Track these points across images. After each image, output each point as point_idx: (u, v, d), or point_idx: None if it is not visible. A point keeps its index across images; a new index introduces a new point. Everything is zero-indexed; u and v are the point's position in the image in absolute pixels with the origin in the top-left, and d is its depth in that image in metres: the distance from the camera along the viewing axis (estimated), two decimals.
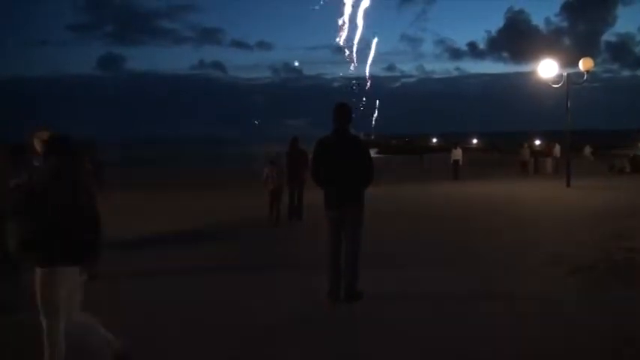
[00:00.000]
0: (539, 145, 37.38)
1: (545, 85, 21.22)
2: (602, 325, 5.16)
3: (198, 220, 13.32)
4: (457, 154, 27.40)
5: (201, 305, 6.08)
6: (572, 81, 20.47)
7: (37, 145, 13.43)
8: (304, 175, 12.02)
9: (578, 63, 19.99)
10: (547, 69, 20.56)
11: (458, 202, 16.35)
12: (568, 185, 19.81)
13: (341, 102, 6.18)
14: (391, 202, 15.28)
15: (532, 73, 23.75)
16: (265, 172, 12.38)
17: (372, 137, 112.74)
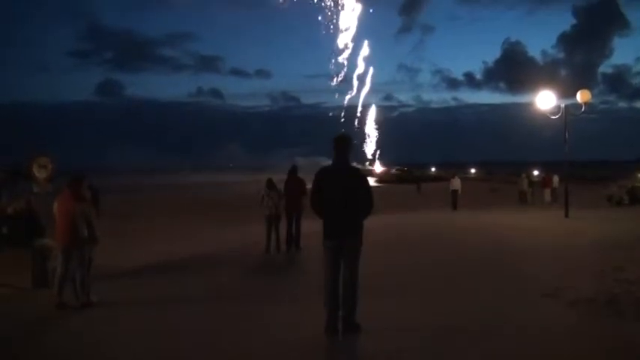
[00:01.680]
0: (538, 175, 37.49)
1: (542, 116, 21.36)
2: (600, 357, 5.10)
3: (196, 247, 13.26)
4: (456, 183, 27.38)
5: (199, 334, 6.01)
6: (570, 112, 20.60)
7: (36, 171, 13.37)
8: (303, 203, 12.02)
9: (575, 94, 20.17)
10: (545, 100, 20.71)
11: (457, 232, 16.30)
12: (567, 216, 19.79)
13: (341, 133, 6.21)
14: (390, 231, 15.24)
15: (529, 104, 24.01)
16: (262, 196, 12.38)
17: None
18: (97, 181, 13.74)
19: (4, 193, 14.24)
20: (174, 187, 60.67)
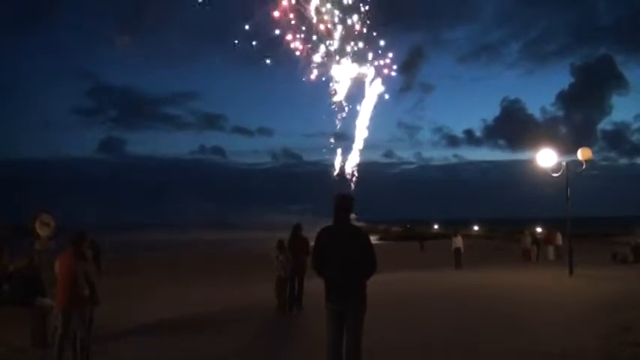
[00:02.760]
0: (541, 232, 37.38)
1: (544, 173, 21.48)
2: None
3: (199, 307, 13.13)
4: (458, 241, 27.20)
5: None
6: (571, 170, 20.73)
7: (39, 229, 13.37)
8: (306, 263, 11.95)
9: (575, 150, 20.37)
10: (546, 158, 20.88)
11: (459, 291, 16.10)
12: (571, 274, 19.61)
13: (342, 192, 6.20)
14: (391, 291, 15.09)
15: (530, 161, 24.20)
16: (274, 258, 12.31)
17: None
18: (98, 237, 13.75)
19: (6, 250, 14.25)
20: (175, 244, 60.38)
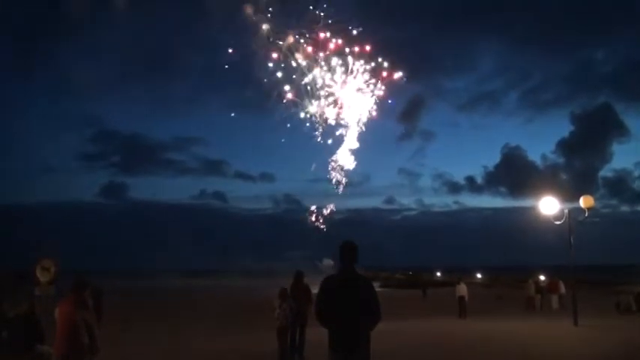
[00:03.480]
0: (544, 280, 37.05)
1: (546, 220, 21.43)
2: None
3: (200, 357, 12.95)
4: (462, 289, 26.80)
5: None
6: (573, 217, 20.69)
7: (39, 274, 13.32)
8: (307, 311, 11.80)
9: (577, 197, 20.39)
10: (548, 206, 20.88)
11: (465, 344, 15.84)
12: (575, 324, 19.33)
13: (347, 240, 6.04)
14: (393, 341, 14.87)
15: (531, 208, 24.15)
16: (276, 307, 12.01)
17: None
18: (99, 281, 13.67)
19: (6, 296, 14.13)
20: (176, 290, 59.81)
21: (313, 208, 29.97)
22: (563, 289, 30.96)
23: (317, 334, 7.36)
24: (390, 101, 25.49)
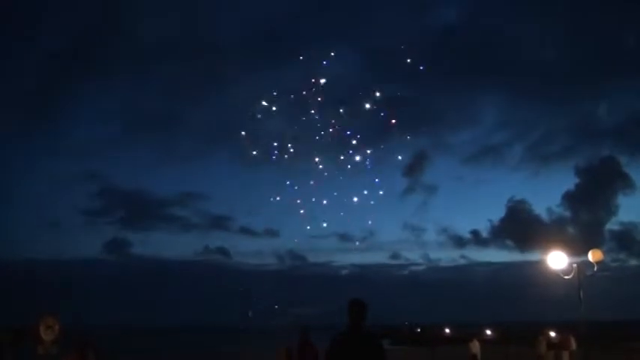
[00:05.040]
0: (555, 337, 36.26)
1: (554, 275, 21.13)
2: None
3: None
4: (475, 347, 26.16)
5: None
6: (582, 271, 20.39)
7: (43, 333, 13.22)
8: None
9: (584, 251, 20.10)
10: (557, 260, 20.64)
11: None
12: None
13: (355, 298, 5.96)
14: None
15: (539, 262, 23.85)
16: None
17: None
18: (102, 339, 13.46)
19: (7, 354, 13.91)
20: (178, 350, 58.89)
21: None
22: (573, 345, 30.26)
23: None
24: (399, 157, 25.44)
